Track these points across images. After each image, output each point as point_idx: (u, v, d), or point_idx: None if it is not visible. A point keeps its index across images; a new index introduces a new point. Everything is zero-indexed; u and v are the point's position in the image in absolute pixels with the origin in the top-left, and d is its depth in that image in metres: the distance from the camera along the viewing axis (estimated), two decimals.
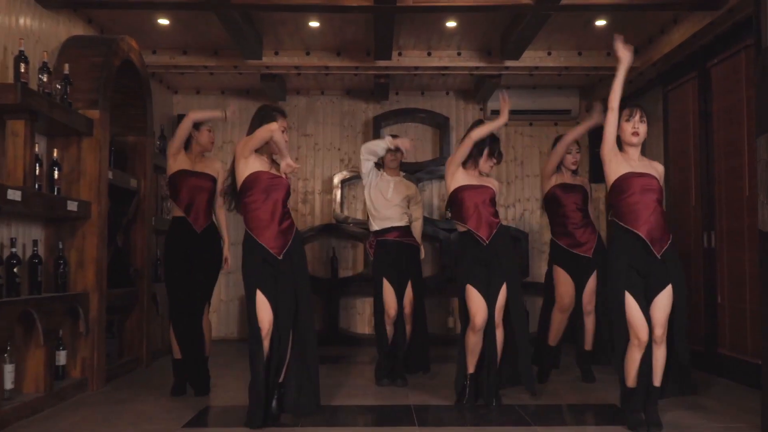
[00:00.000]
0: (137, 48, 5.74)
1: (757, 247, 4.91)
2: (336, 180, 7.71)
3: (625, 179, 3.90)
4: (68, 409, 4.37)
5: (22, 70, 4.41)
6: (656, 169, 3.99)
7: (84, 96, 5.06)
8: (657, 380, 3.86)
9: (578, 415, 4.33)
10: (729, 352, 5.31)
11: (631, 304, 3.80)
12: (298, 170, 4.16)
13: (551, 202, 5.32)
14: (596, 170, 6.88)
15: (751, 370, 4.92)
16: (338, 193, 7.69)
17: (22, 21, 4.77)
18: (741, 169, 5.21)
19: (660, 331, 3.80)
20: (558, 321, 5.27)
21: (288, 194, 4.08)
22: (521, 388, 4.66)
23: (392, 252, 5.22)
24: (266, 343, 3.86)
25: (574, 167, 5.34)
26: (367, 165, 5.31)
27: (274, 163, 4.08)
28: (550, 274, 5.43)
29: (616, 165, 3.91)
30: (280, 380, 3.95)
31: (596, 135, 7.65)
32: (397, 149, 5.28)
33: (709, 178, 5.64)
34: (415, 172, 7.56)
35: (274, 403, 3.94)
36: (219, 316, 7.59)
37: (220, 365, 5.68)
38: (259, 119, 4.05)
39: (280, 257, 3.93)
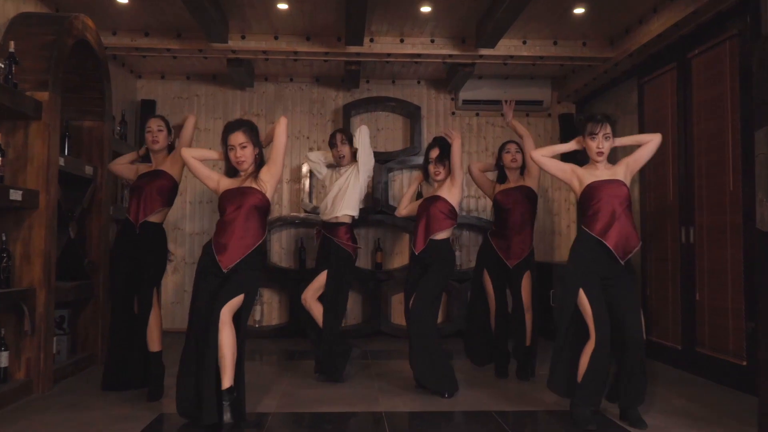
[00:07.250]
0: (93, 27, 5.04)
1: (742, 244, 4.47)
2: (304, 169, 7.02)
3: (592, 188, 3.64)
4: (7, 418, 3.69)
5: None
6: (619, 173, 3.69)
7: (32, 77, 4.40)
8: None
9: (553, 423, 3.69)
10: (708, 352, 4.81)
11: (584, 301, 3.53)
12: None
13: (495, 207, 5.00)
14: None
15: (732, 371, 4.47)
16: (306, 182, 7.02)
17: None
18: (724, 163, 4.70)
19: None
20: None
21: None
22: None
23: (326, 249, 4.80)
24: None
25: (513, 165, 4.91)
26: (322, 171, 5.06)
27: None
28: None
29: (582, 175, 3.73)
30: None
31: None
32: (334, 146, 4.88)
33: (688, 172, 5.12)
34: (385, 161, 7.00)
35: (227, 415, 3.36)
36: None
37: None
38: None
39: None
